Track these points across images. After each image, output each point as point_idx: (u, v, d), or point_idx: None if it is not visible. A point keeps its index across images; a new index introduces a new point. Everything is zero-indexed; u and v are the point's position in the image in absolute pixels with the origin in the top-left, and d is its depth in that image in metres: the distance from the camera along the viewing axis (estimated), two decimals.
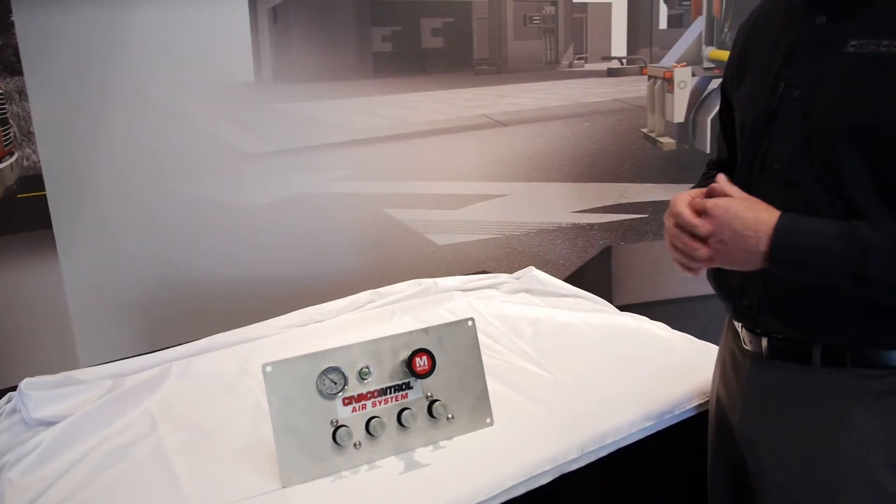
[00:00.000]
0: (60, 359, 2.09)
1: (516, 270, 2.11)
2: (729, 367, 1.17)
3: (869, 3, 0.95)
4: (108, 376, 1.49)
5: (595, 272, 2.47)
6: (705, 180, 1.22)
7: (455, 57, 2.30)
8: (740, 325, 1.10)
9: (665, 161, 2.42)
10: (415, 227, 2.35)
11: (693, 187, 1.15)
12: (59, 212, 2.07)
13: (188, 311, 2.15)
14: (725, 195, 0.98)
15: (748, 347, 1.09)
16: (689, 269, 1.02)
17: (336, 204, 2.28)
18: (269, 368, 1.13)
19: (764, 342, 1.05)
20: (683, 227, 0.99)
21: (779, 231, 0.92)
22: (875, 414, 0.96)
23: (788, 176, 1.00)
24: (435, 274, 2.09)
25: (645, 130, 2.42)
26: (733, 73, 1.16)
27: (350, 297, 1.91)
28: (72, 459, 1.23)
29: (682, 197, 1.01)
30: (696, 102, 2.37)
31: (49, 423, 1.33)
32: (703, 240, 0.97)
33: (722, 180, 1.01)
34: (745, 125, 1.09)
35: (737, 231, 0.94)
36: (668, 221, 1.02)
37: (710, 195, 1.00)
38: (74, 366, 1.74)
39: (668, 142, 2.40)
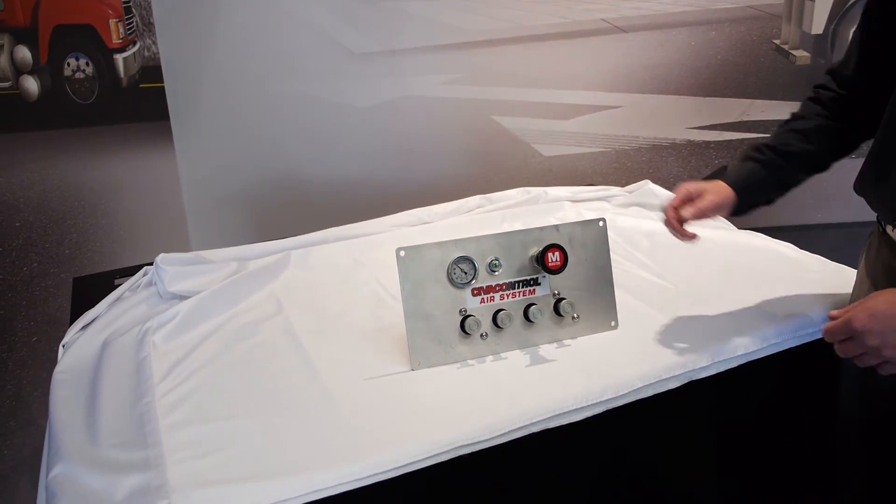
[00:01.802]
0: (174, 246, 2.19)
1: (625, 185, 2.03)
2: (883, 284, 1.09)
3: None
4: (233, 258, 1.53)
5: None
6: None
7: None
8: None
9: (797, 77, 2.24)
10: (522, 136, 2.29)
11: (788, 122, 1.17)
12: (176, 104, 2.12)
13: (296, 208, 2.19)
14: None
15: None
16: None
17: (444, 108, 2.24)
18: (402, 253, 1.13)
19: None
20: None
21: None
22: None
23: None
24: (541, 185, 2.04)
25: (777, 42, 2.23)
26: None
27: (459, 200, 1.89)
28: (207, 331, 1.29)
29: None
30: (840, 12, 2.15)
31: (182, 297, 1.39)
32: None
33: None
34: None
35: None
36: None
37: None
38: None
39: (802, 55, 2.21)
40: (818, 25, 2.16)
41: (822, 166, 1.21)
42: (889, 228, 1.09)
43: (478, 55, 2.22)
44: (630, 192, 1.98)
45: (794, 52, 2.21)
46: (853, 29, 2.15)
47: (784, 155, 1.19)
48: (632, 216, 1.85)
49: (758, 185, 1.20)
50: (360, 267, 1.56)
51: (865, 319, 0.87)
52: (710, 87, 2.26)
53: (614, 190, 2.00)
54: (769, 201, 1.23)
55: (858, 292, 1.19)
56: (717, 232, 1.72)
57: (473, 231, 1.76)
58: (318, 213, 2.16)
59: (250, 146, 2.21)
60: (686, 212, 1.17)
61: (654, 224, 1.78)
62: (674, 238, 1.66)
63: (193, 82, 2.13)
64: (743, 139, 2.28)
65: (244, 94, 2.17)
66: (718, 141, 2.29)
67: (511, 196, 1.93)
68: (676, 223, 1.19)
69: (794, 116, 1.24)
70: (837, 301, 1.31)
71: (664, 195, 1.92)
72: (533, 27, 2.20)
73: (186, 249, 2.14)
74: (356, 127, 2.22)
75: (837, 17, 2.16)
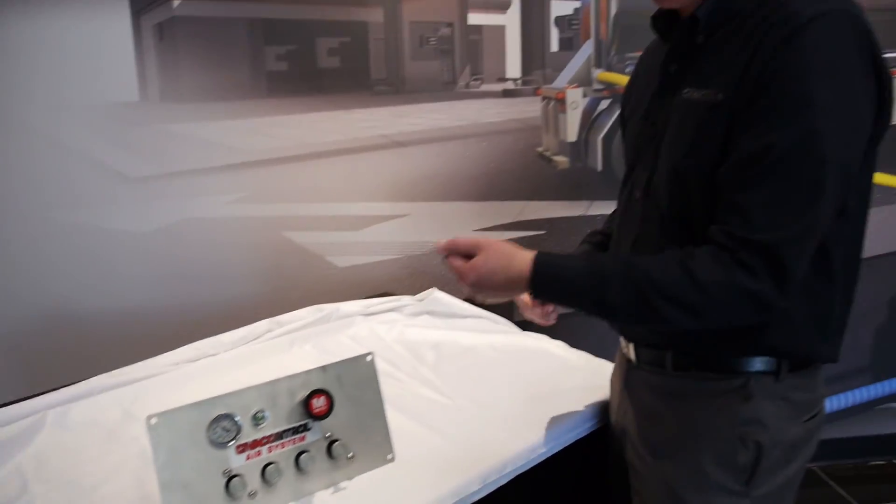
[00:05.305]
0: None
1: (419, 290, 2.11)
2: (617, 369, 1.31)
3: (706, 54, 1.02)
4: None
5: None
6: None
7: (352, 77, 2.27)
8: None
9: (560, 179, 2.49)
10: (315, 249, 2.30)
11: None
12: None
13: (69, 348, 2.00)
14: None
15: (625, 352, 1.23)
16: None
17: (231, 228, 2.20)
18: (153, 420, 1.06)
19: (632, 348, 1.20)
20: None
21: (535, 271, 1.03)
22: (709, 411, 1.08)
23: (644, 205, 1.09)
24: (337, 297, 2.05)
25: (540, 149, 2.48)
26: (625, 103, 1.27)
27: (246, 327, 1.84)
28: None
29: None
30: (588, 122, 2.45)
31: None
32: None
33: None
34: (625, 152, 1.20)
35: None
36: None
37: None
38: None
39: (562, 160, 2.47)
40: (572, 134, 2.43)
41: None
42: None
43: (263, 173, 2.23)
44: (420, 301, 2.05)
45: (555, 158, 2.46)
46: (601, 136, 2.46)
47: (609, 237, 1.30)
48: (421, 326, 1.91)
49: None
50: (130, 420, 1.44)
51: (473, 278, 1.07)
52: (487, 192, 2.44)
53: (405, 299, 2.06)
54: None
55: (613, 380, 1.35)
56: (498, 336, 1.82)
57: (262, 360, 1.73)
58: (96, 353, 1.99)
59: (12, 282, 2.01)
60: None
61: (442, 334, 1.85)
62: (458, 347, 1.76)
63: None
64: (522, 236, 2.46)
65: (4, 226, 1.99)
66: (502, 240, 2.45)
67: (301, 316, 1.91)
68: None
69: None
70: (597, 401, 1.42)
71: (449, 301, 2.01)
72: (315, 144, 2.26)
73: None
74: (135, 254, 2.10)
75: (587, 126, 2.45)
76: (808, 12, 0.90)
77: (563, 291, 1.03)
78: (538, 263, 1.02)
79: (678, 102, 1.03)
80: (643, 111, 1.13)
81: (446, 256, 1.11)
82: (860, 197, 1.02)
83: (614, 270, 0.99)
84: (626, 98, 1.28)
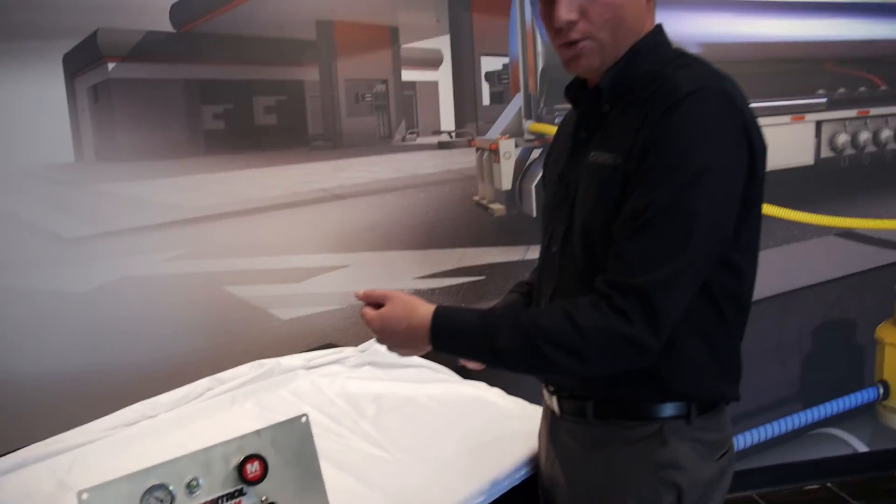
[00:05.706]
0: None
1: (363, 340, 2.13)
2: (543, 421, 1.35)
3: (609, 122, 1.12)
4: None
5: None
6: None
7: (290, 133, 2.33)
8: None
9: (497, 226, 2.57)
10: (257, 302, 2.31)
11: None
12: None
13: (5, 417, 1.96)
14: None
15: (548, 404, 1.27)
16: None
17: (170, 285, 2.20)
18: (85, 496, 1.06)
19: (555, 400, 1.23)
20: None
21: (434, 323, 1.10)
22: (630, 457, 1.14)
23: (561, 258, 1.17)
24: (281, 349, 2.07)
25: (477, 198, 2.57)
26: (546, 164, 1.35)
27: (186, 386, 1.84)
28: None
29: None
30: (521, 171, 2.55)
31: None
32: None
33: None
34: (543, 210, 1.27)
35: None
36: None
37: None
38: None
39: (498, 208, 2.56)
40: (507, 183, 2.53)
41: None
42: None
43: (202, 229, 2.25)
44: (362, 352, 2.08)
45: (491, 206, 2.55)
46: (534, 184, 2.56)
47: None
48: (363, 378, 1.94)
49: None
50: (65, 491, 1.42)
51: (378, 325, 1.15)
52: (427, 241, 2.51)
53: (347, 351, 2.09)
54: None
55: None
56: (437, 386, 1.86)
57: (202, 420, 1.72)
58: (29, 420, 1.96)
59: None
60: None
61: (383, 385, 1.88)
62: (398, 399, 1.79)
63: None
64: (462, 283, 2.53)
65: None
66: (442, 287, 2.52)
67: (243, 373, 1.92)
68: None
69: None
70: (532, 448, 1.47)
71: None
72: (255, 200, 2.29)
73: None
74: (70, 315, 2.08)
75: (520, 175, 2.56)
76: (687, 87, 1.02)
77: (459, 342, 1.11)
78: (437, 316, 1.09)
79: (586, 165, 1.13)
80: (558, 172, 1.22)
81: (364, 305, 1.19)
82: (747, 252, 1.11)
83: (505, 320, 1.07)
84: (547, 160, 1.37)
